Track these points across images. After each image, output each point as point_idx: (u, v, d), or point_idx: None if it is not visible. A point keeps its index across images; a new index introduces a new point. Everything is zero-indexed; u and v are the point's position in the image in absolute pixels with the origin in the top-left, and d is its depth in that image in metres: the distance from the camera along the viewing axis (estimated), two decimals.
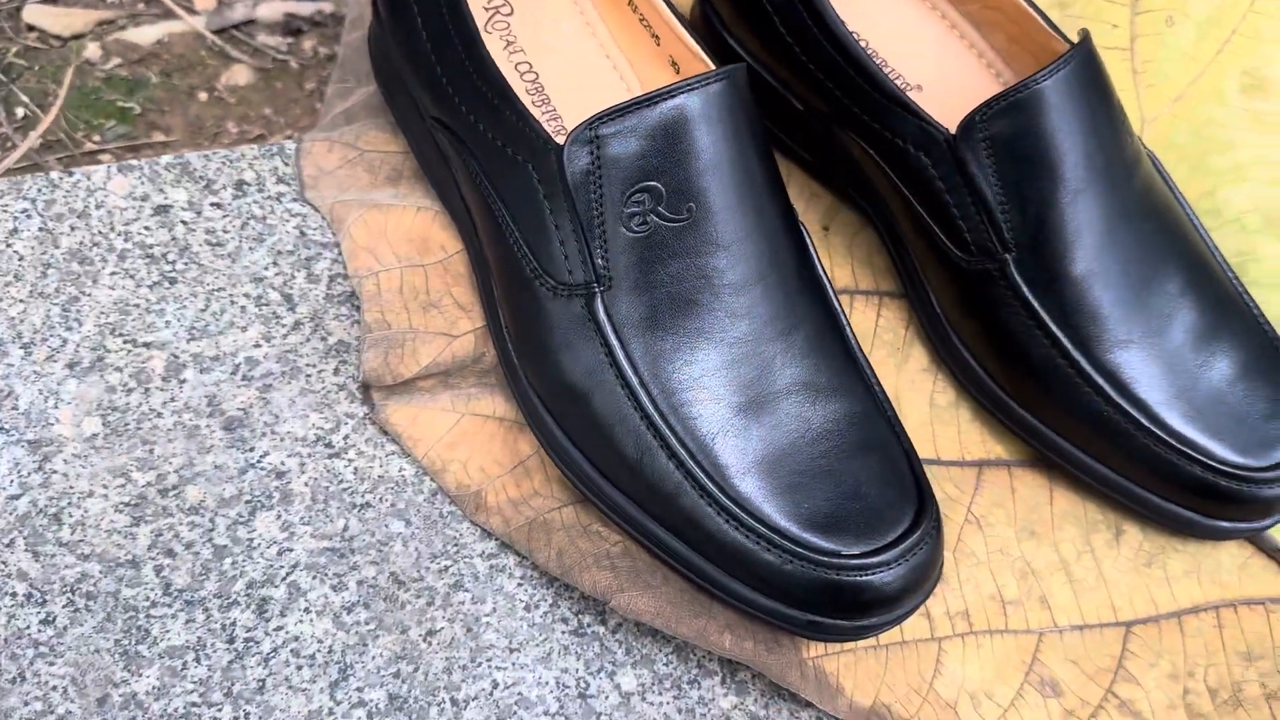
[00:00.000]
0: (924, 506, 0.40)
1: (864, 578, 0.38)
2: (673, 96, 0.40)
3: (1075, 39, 0.45)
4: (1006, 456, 0.48)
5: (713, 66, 0.45)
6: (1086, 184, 0.43)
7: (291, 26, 0.63)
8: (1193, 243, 0.46)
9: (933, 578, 0.41)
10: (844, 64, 0.45)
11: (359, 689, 0.41)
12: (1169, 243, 0.45)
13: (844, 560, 0.38)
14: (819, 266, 0.44)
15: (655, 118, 0.40)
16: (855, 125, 0.46)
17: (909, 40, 0.49)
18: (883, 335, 0.49)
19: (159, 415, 0.44)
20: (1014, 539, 0.46)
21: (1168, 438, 0.43)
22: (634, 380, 0.40)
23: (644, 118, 0.40)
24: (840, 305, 0.44)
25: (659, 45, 0.47)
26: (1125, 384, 0.44)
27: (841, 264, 0.50)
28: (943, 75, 0.49)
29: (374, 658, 0.41)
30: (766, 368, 0.41)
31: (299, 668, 0.41)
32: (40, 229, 0.47)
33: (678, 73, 0.47)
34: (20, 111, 0.57)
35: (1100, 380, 0.44)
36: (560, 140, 0.41)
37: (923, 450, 0.47)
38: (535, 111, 0.47)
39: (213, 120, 0.60)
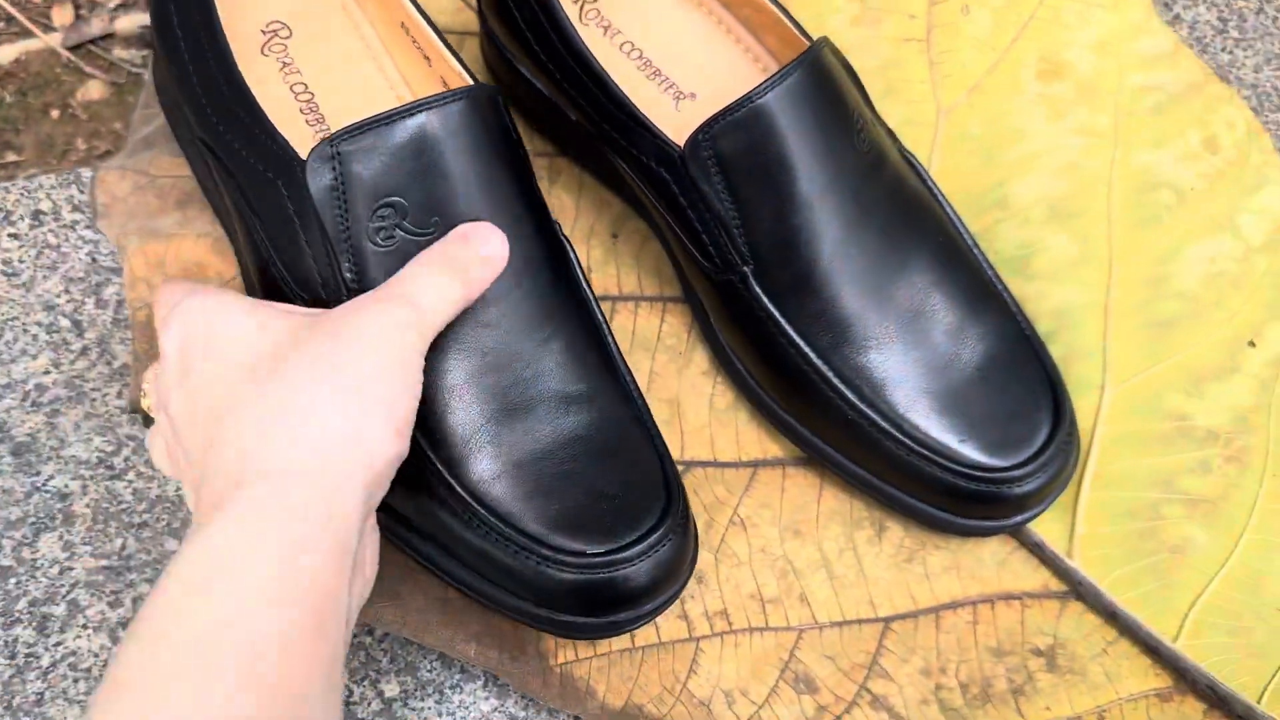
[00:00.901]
0: (670, 504, 0.42)
1: (609, 574, 0.40)
2: (412, 115, 0.41)
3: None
4: (782, 455, 0.49)
5: (466, 77, 0.46)
6: (817, 193, 0.43)
7: (148, 39, 0.65)
8: (947, 236, 0.47)
9: (682, 572, 0.43)
10: (590, 83, 0.46)
11: None
12: (918, 238, 0.46)
13: (590, 559, 0.40)
14: (580, 276, 0.45)
15: (395, 135, 0.41)
16: (609, 142, 0.47)
17: (684, 47, 0.50)
18: (666, 340, 0.51)
19: None
20: (778, 538, 0.47)
21: (912, 442, 0.44)
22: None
23: (383, 135, 0.41)
24: (601, 313, 0.45)
25: (430, 66, 0.48)
26: (871, 387, 0.45)
27: (629, 271, 0.52)
28: (717, 81, 0.49)
29: None
30: (520, 376, 0.42)
31: (76, 680, 0.44)
32: None
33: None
34: None
35: (842, 386, 0.45)
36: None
37: (700, 452, 0.49)
38: (309, 132, 0.48)
39: (63, 138, 0.62)
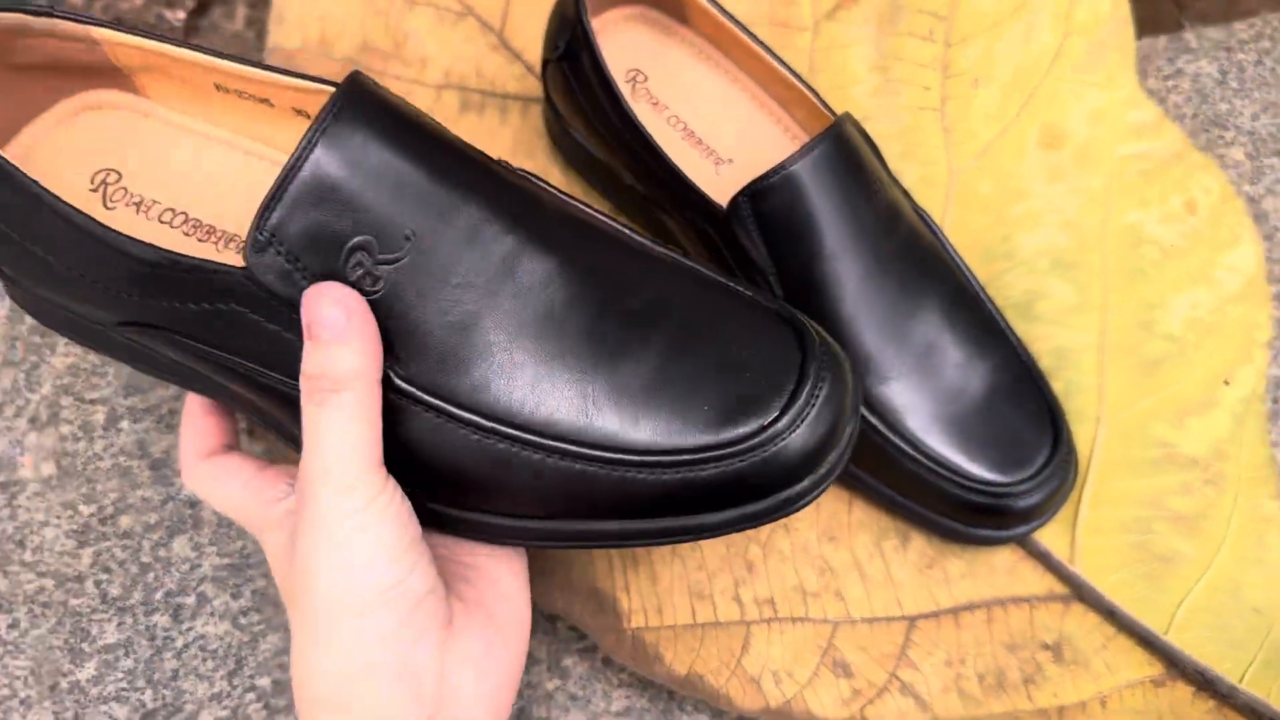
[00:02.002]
0: (804, 372, 0.39)
1: (772, 450, 0.38)
2: (308, 153, 0.37)
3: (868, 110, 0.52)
4: None
5: (323, 89, 0.42)
6: (841, 246, 0.50)
7: None
8: (956, 283, 0.53)
9: (844, 427, 0.40)
10: (642, 151, 0.53)
11: (251, 676, 0.51)
12: (930, 285, 0.52)
13: (750, 443, 0.38)
14: (561, 194, 0.43)
15: (310, 181, 0.37)
16: (659, 202, 0.54)
17: (723, 119, 0.57)
18: None
19: (100, 459, 0.55)
20: (815, 541, 0.53)
21: (928, 461, 0.51)
22: (478, 420, 0.38)
23: (301, 186, 0.37)
24: (620, 223, 0.44)
25: (274, 107, 0.44)
26: (891, 414, 0.51)
27: None
28: (752, 149, 0.56)
29: (263, 651, 0.51)
30: (587, 315, 0.39)
31: (204, 659, 0.51)
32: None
33: (309, 118, 0.44)
34: None
35: (866, 413, 0.51)
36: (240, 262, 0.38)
37: None
38: (207, 249, 0.44)
39: None
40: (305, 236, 0.37)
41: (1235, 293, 0.57)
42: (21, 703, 0.50)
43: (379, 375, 0.38)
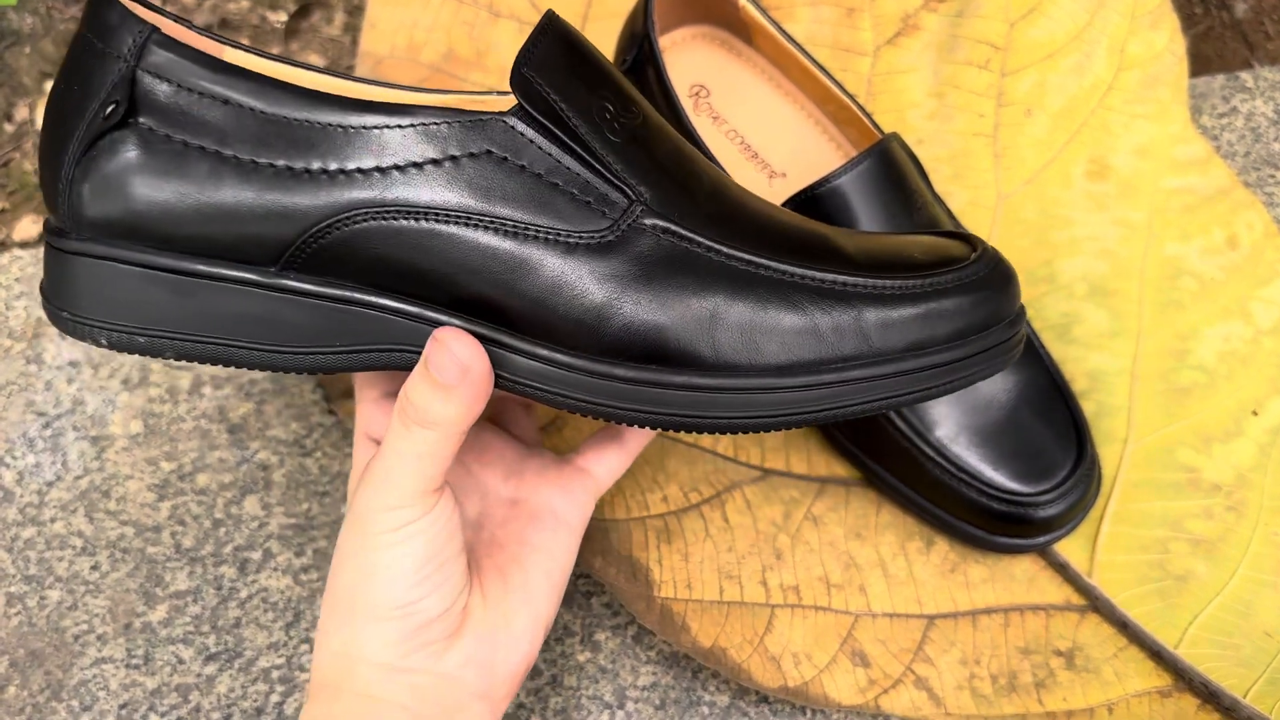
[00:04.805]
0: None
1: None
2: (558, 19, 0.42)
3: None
4: (846, 476, 0.58)
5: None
6: None
7: None
8: None
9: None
10: None
11: (307, 629, 0.55)
12: None
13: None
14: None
15: (562, 36, 0.41)
16: None
17: (779, 135, 0.60)
18: None
19: (183, 420, 0.59)
20: (843, 537, 0.56)
21: (954, 468, 0.53)
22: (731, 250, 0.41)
23: (539, 46, 0.40)
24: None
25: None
26: (921, 422, 0.53)
27: None
28: (805, 164, 0.59)
29: (320, 607, 0.55)
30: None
31: (265, 611, 0.55)
32: None
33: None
34: None
35: (898, 420, 0.54)
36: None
37: (778, 464, 0.58)
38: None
39: None
40: (554, 78, 0.40)
41: (1270, 326, 0.59)
42: (98, 638, 0.54)
43: (468, 425, 0.40)
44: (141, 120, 0.40)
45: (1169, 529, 0.55)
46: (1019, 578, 0.55)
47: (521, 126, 0.40)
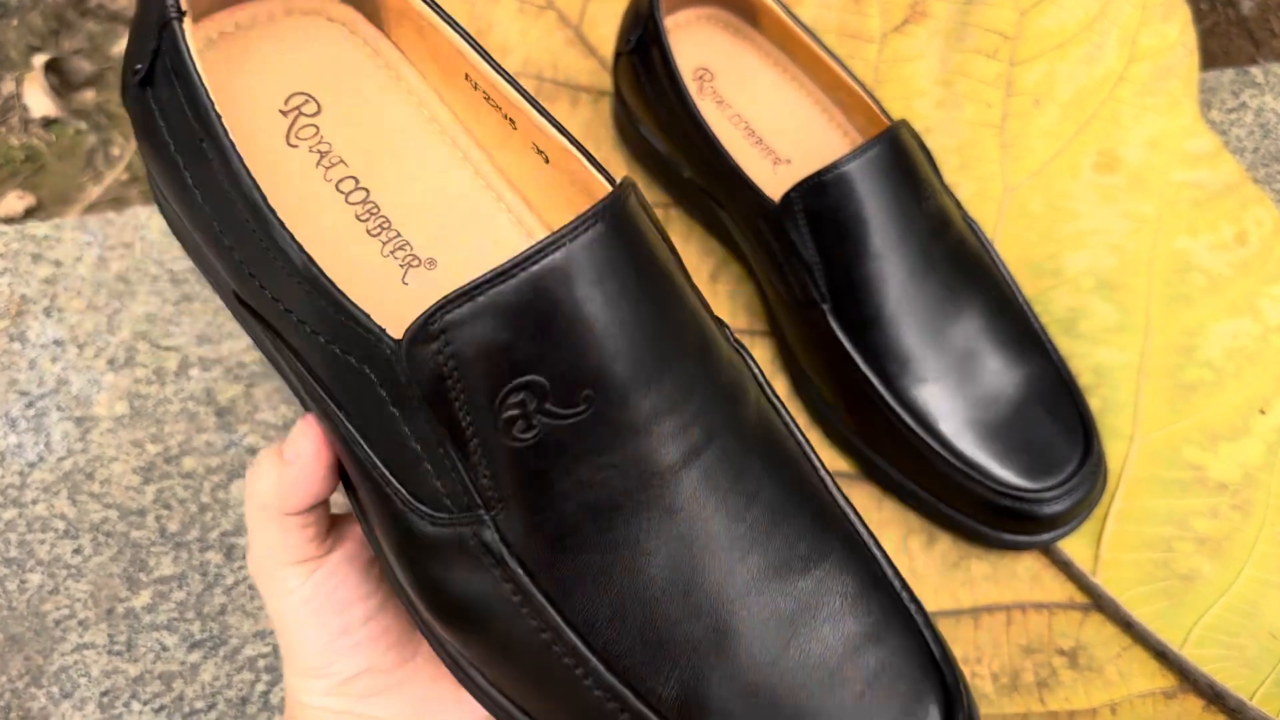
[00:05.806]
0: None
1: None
2: (538, 259, 0.30)
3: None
4: (849, 470, 0.57)
5: (579, 154, 0.35)
6: (887, 246, 0.52)
7: None
8: (1000, 292, 0.54)
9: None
10: (703, 147, 0.55)
11: None
12: (973, 291, 0.53)
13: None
14: (770, 394, 0.35)
15: (518, 292, 0.30)
16: (715, 196, 0.57)
17: (784, 121, 0.59)
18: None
19: (169, 402, 0.58)
20: None
21: (959, 462, 0.52)
22: (553, 617, 0.31)
23: (503, 294, 0.30)
24: (804, 441, 0.35)
25: (515, 130, 0.37)
26: (927, 415, 0.53)
27: (724, 306, 0.61)
28: (810, 150, 0.58)
29: None
30: (719, 568, 0.31)
31: (251, 598, 0.54)
32: (98, 257, 0.61)
33: (546, 161, 0.37)
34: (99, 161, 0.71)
35: (902, 411, 0.53)
36: (397, 338, 0.31)
37: None
38: (374, 244, 0.37)
39: None
40: (480, 350, 0.30)
41: (1278, 323, 0.58)
42: (80, 623, 0.53)
43: (281, 507, 0.36)
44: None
45: (1174, 527, 0.54)
46: (1022, 575, 0.54)
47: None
